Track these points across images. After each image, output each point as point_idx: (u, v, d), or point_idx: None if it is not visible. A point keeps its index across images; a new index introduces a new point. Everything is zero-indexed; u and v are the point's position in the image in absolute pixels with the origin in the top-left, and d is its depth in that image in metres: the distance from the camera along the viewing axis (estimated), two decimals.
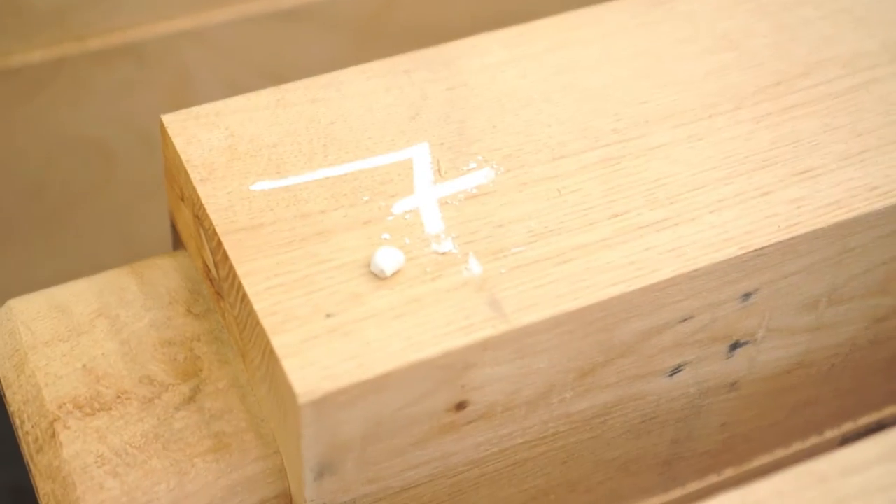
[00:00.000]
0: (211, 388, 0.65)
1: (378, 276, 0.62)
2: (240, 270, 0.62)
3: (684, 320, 0.65)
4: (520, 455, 0.67)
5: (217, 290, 0.66)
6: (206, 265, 0.67)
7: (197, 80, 1.05)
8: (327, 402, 0.58)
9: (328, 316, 0.60)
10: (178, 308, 0.68)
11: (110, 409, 0.64)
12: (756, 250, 0.64)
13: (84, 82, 1.01)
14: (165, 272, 0.70)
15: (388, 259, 0.61)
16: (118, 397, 0.64)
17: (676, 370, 0.68)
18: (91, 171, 1.06)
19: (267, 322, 0.60)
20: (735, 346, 0.69)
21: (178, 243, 0.73)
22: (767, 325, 0.69)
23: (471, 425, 0.64)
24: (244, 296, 0.61)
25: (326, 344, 0.59)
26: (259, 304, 0.61)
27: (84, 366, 0.65)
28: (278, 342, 0.59)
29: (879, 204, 0.66)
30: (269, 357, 0.60)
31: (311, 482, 0.61)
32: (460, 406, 0.62)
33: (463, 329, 0.60)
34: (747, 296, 0.66)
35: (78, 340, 0.66)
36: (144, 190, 1.08)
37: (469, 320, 0.60)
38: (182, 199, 0.69)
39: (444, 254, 0.63)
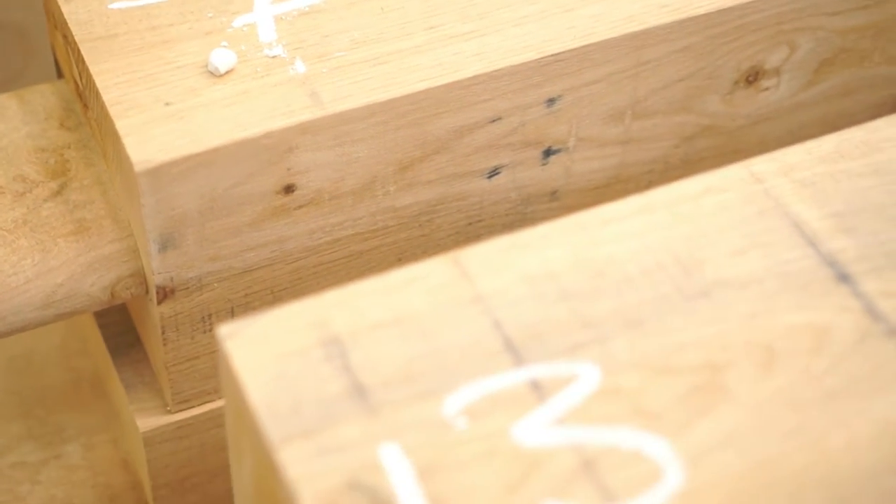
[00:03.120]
0: (77, 185, 0.74)
1: (213, 74, 0.70)
2: (93, 70, 0.71)
3: (494, 121, 0.74)
4: (353, 247, 0.76)
5: (84, 102, 0.75)
6: (76, 82, 0.76)
7: None
8: (162, 173, 0.67)
9: (167, 104, 0.69)
10: (53, 122, 0.77)
11: None
12: (553, 55, 0.73)
13: None
14: (44, 95, 0.79)
15: (221, 58, 0.70)
16: None
17: (494, 172, 0.77)
18: None
19: (113, 110, 0.69)
20: (548, 152, 0.77)
21: (60, 74, 0.82)
22: (577, 134, 0.77)
23: (301, 210, 0.72)
24: (97, 93, 0.70)
25: (163, 126, 0.68)
26: (107, 96, 0.69)
27: None
28: (121, 125, 0.68)
29: (669, 18, 0.75)
30: (116, 141, 0.69)
31: (156, 255, 0.70)
32: (288, 189, 0.71)
33: (284, 114, 0.69)
34: (551, 101, 0.75)
35: None
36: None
37: (290, 108, 0.69)
38: (56, 27, 0.77)
39: (273, 57, 0.72)
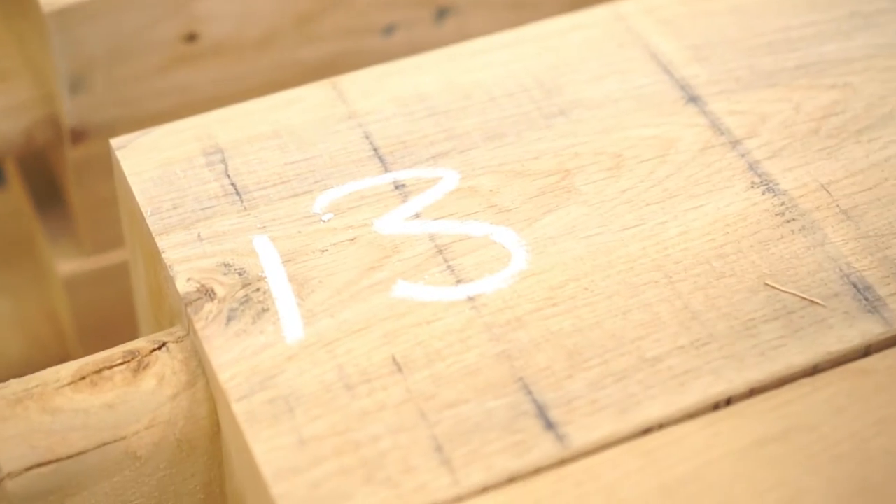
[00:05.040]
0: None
1: None
2: None
3: None
4: None
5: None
6: None
7: None
8: (69, 14, 0.72)
9: None
10: None
11: None
12: None
13: None
14: None
15: None
16: None
17: (389, 29, 0.82)
18: None
19: None
20: (442, 13, 0.82)
21: None
22: None
23: (205, 59, 0.77)
24: None
25: None
26: None
27: None
28: None
29: None
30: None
31: (68, 97, 0.75)
32: (191, 37, 0.76)
33: None
34: None
35: None
36: None
37: None
38: None
39: None
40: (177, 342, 0.59)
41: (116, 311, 0.85)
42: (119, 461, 0.58)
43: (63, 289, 0.84)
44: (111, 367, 0.58)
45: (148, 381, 0.58)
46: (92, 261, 0.83)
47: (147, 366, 0.58)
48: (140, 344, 0.59)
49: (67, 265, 0.84)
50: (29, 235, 0.94)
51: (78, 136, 0.76)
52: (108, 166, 0.78)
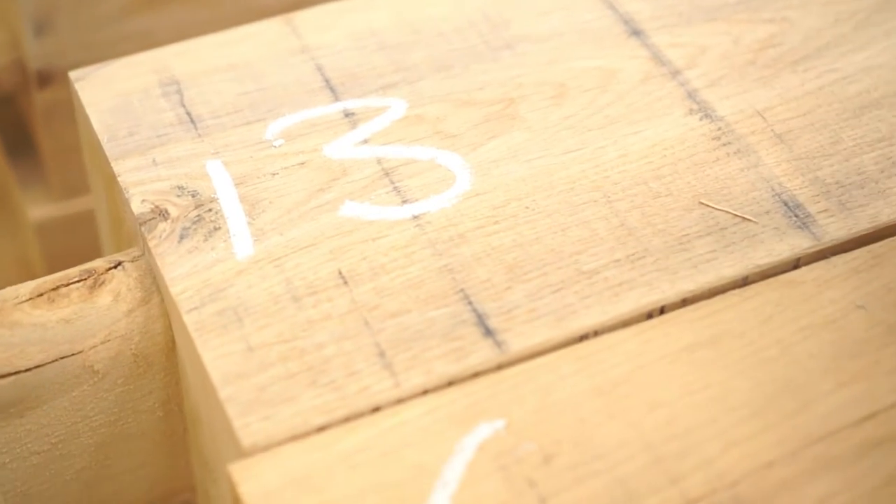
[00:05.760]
0: None
1: None
2: None
3: None
4: None
5: None
6: None
7: None
8: None
9: None
10: None
11: None
12: None
13: None
14: None
15: None
16: None
17: None
18: None
19: None
20: None
21: None
22: None
23: (168, 3, 0.79)
24: None
25: None
26: None
27: None
28: None
29: None
30: None
31: (33, 40, 0.77)
32: None
33: None
34: None
35: None
36: None
37: None
38: None
39: None
40: (132, 261, 0.61)
41: (87, 255, 0.87)
42: (77, 375, 0.60)
43: (34, 234, 0.86)
44: (68, 284, 0.60)
45: (104, 297, 0.60)
46: (62, 206, 0.85)
47: (103, 283, 0.60)
48: (97, 263, 0.61)
49: (38, 211, 0.86)
50: (4, 185, 0.96)
51: (44, 79, 0.78)
52: (73, 111, 0.80)
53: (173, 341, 0.61)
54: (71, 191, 0.85)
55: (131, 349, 0.60)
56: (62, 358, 0.59)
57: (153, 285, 0.60)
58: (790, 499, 0.51)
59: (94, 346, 0.59)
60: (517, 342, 0.56)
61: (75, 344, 0.59)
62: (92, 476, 0.66)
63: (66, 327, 0.59)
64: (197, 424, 0.62)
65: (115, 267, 0.61)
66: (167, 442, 0.66)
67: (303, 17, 0.70)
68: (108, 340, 0.60)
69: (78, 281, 0.60)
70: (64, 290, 0.60)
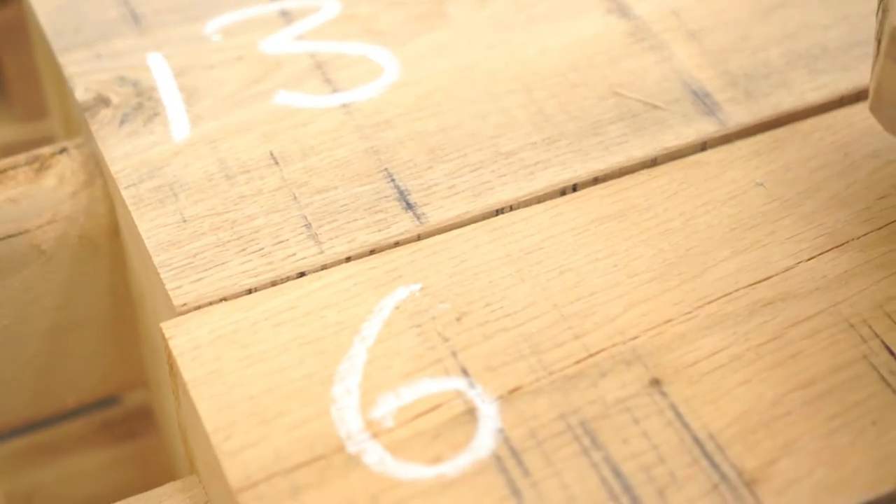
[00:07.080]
0: None
1: None
2: None
3: None
4: None
5: None
6: None
7: None
8: None
9: None
10: None
11: None
12: None
13: None
14: None
15: None
16: None
17: None
18: None
19: None
20: None
21: None
22: None
23: None
24: None
25: None
26: None
27: None
28: None
29: None
30: None
31: None
32: None
33: None
34: None
35: None
36: None
37: None
38: None
39: None
40: (77, 147, 0.64)
41: None
42: (25, 254, 0.63)
43: None
44: (15, 167, 0.63)
45: (49, 179, 0.63)
46: (27, 129, 0.88)
47: (49, 167, 0.64)
48: (43, 150, 0.65)
49: (2, 133, 0.89)
50: None
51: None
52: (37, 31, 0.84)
53: (117, 225, 0.64)
54: (35, 113, 0.88)
55: (77, 230, 0.64)
56: (10, 237, 0.62)
57: (97, 169, 0.64)
58: (684, 350, 0.55)
59: (41, 226, 0.63)
60: (436, 215, 0.59)
61: (22, 223, 0.62)
62: (45, 363, 0.69)
63: (13, 206, 0.62)
64: (143, 310, 0.66)
65: (61, 152, 0.64)
66: (116, 331, 0.70)
67: None
68: (54, 221, 0.63)
69: (25, 165, 0.63)
70: (11, 172, 0.63)
